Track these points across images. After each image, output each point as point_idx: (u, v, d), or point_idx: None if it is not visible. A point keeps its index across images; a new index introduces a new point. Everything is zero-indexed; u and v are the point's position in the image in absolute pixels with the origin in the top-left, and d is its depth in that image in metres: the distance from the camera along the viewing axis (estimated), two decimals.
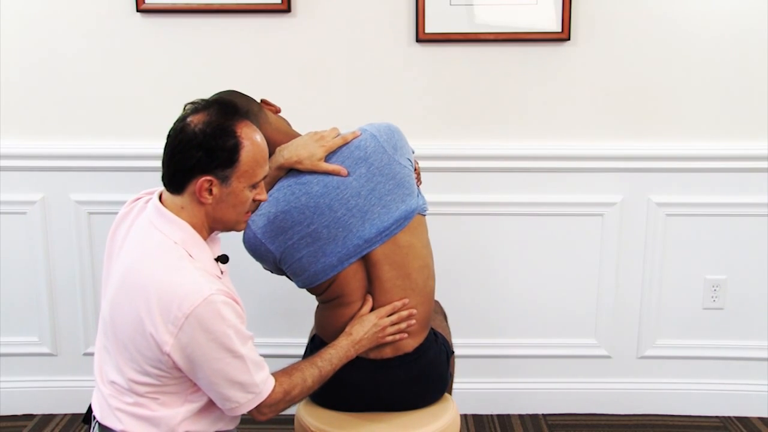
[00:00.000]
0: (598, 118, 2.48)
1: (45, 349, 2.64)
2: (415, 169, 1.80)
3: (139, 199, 1.61)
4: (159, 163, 2.46)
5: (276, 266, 1.73)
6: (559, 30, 2.40)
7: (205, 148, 1.41)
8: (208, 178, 1.42)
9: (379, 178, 1.67)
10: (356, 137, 1.70)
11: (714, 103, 2.47)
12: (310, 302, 2.54)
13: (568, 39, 2.41)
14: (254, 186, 1.48)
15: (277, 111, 1.81)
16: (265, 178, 1.51)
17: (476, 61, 2.45)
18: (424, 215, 1.77)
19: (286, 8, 2.40)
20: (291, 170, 1.70)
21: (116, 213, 2.50)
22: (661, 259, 2.56)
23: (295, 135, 1.77)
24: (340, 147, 1.69)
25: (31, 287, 2.59)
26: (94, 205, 2.53)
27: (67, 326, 2.62)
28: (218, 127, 1.42)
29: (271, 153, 1.70)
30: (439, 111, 2.48)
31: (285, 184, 1.68)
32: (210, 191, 1.44)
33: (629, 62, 2.44)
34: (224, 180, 1.44)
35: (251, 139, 1.45)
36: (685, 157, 2.48)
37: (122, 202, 2.47)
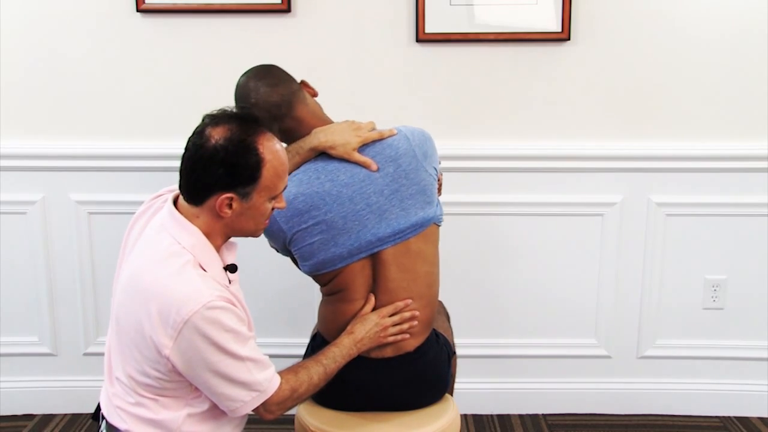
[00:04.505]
0: (597, 118, 2.48)
1: (45, 349, 2.64)
2: (438, 179, 1.81)
3: (159, 196, 1.62)
4: (159, 163, 2.49)
5: (284, 247, 1.73)
6: (559, 30, 2.40)
7: (226, 165, 1.39)
8: (230, 195, 1.42)
9: (404, 180, 1.68)
10: (392, 135, 1.71)
11: (714, 103, 2.47)
12: (312, 303, 2.54)
13: (568, 39, 2.42)
14: (274, 197, 1.49)
15: (314, 94, 1.81)
16: (284, 188, 1.51)
17: (476, 61, 2.45)
18: (439, 225, 1.77)
19: (286, 8, 2.40)
20: (321, 154, 1.70)
21: (116, 213, 2.53)
22: (661, 259, 2.56)
23: (329, 121, 1.78)
24: (374, 141, 1.70)
25: (31, 287, 2.59)
26: (94, 205, 2.53)
27: (67, 326, 2.62)
28: (240, 144, 1.40)
29: (304, 135, 1.71)
30: (438, 111, 2.48)
31: (312, 167, 1.68)
32: (230, 206, 1.44)
33: (629, 62, 2.44)
34: (245, 196, 1.43)
35: (273, 152, 1.44)
36: (685, 157, 2.48)
37: (122, 202, 2.50)
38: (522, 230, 2.55)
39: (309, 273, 1.74)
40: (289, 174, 1.68)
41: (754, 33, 2.42)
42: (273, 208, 1.51)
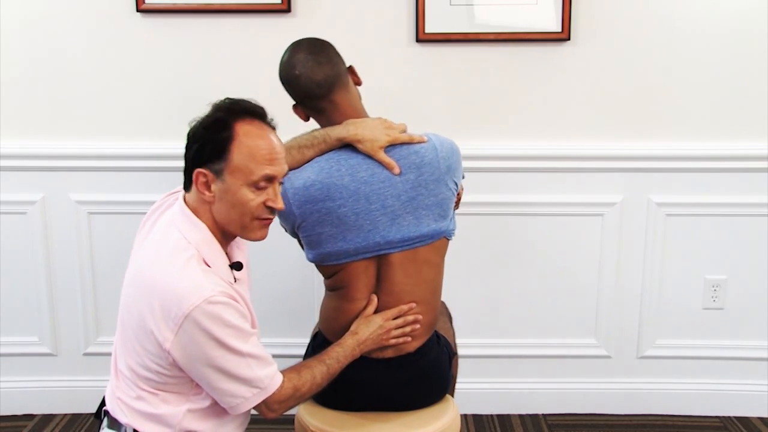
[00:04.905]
0: (598, 118, 2.48)
1: (45, 349, 2.64)
2: (458, 193, 1.80)
3: (174, 193, 1.62)
4: (159, 163, 2.50)
5: (293, 230, 1.73)
6: (559, 30, 2.40)
7: (199, 140, 1.44)
8: (202, 171, 1.43)
9: (422, 190, 1.67)
10: (421, 142, 1.69)
11: (714, 103, 2.47)
12: (312, 304, 2.54)
13: (568, 39, 2.42)
14: (257, 187, 1.44)
15: (358, 83, 1.79)
16: (272, 179, 1.46)
17: (476, 61, 2.45)
18: (449, 239, 1.77)
19: (286, 8, 2.40)
20: (347, 146, 1.68)
21: (116, 213, 2.54)
22: (661, 259, 2.56)
23: (364, 114, 1.76)
24: (402, 144, 1.68)
25: (31, 287, 2.59)
26: (94, 205, 2.53)
27: (67, 326, 2.62)
28: (216, 121, 1.44)
29: (335, 121, 1.70)
30: (438, 111, 2.48)
31: (335, 157, 1.67)
32: (208, 186, 1.44)
33: (629, 62, 2.44)
34: (218, 174, 1.43)
35: (251, 135, 1.43)
36: (685, 157, 2.48)
37: (122, 202, 2.50)
38: (522, 230, 2.54)
39: (313, 261, 1.74)
40: (312, 159, 1.68)
41: (755, 33, 2.41)
42: (268, 207, 1.46)
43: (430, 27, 2.41)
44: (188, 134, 1.47)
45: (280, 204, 1.48)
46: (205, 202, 1.47)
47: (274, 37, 2.43)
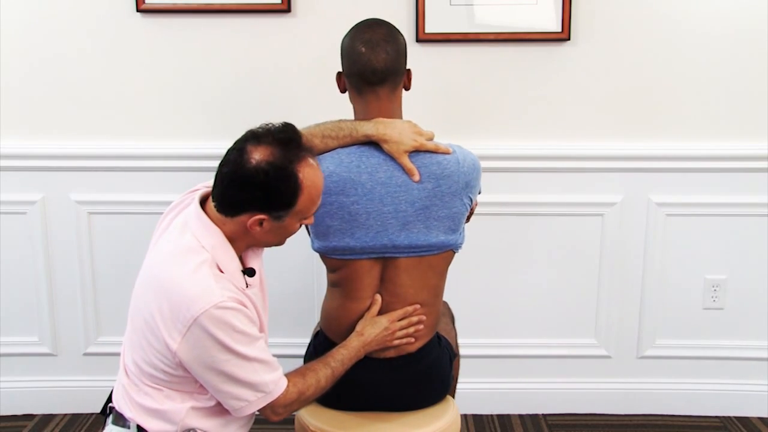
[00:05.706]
0: (597, 118, 2.48)
1: (45, 349, 2.64)
2: (472, 208, 1.79)
3: (194, 191, 1.61)
4: (159, 163, 2.49)
5: None
6: (559, 30, 2.40)
7: (264, 189, 1.40)
8: (263, 217, 1.43)
9: (437, 201, 1.66)
10: (446, 153, 1.68)
11: (714, 103, 2.47)
12: (313, 302, 2.54)
13: (568, 39, 2.42)
14: (305, 218, 1.52)
15: (407, 88, 1.79)
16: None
17: (476, 61, 2.45)
18: (456, 252, 1.77)
19: (286, 8, 2.40)
20: (372, 143, 1.67)
21: (116, 213, 2.54)
22: (661, 259, 2.56)
23: (398, 117, 1.75)
24: (426, 152, 1.67)
25: (31, 287, 2.59)
26: (94, 205, 2.53)
27: (67, 326, 2.62)
28: (281, 171, 1.39)
29: (370, 114, 1.69)
30: (438, 111, 2.48)
31: (356, 153, 1.67)
32: (261, 224, 1.45)
33: (629, 62, 2.44)
34: (278, 218, 1.45)
35: (311, 180, 1.44)
36: (685, 157, 2.48)
37: (122, 202, 2.50)
38: (522, 230, 2.54)
39: (318, 251, 1.73)
40: (333, 149, 1.68)
41: (755, 33, 2.41)
42: (301, 224, 1.53)
43: (430, 27, 2.41)
44: (239, 175, 1.39)
45: (313, 220, 1.56)
46: (243, 230, 1.47)
47: (274, 37, 2.44)
